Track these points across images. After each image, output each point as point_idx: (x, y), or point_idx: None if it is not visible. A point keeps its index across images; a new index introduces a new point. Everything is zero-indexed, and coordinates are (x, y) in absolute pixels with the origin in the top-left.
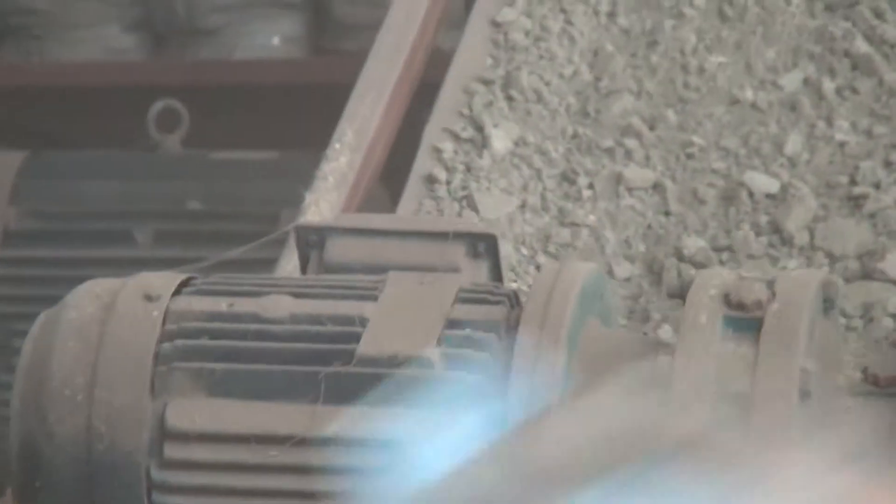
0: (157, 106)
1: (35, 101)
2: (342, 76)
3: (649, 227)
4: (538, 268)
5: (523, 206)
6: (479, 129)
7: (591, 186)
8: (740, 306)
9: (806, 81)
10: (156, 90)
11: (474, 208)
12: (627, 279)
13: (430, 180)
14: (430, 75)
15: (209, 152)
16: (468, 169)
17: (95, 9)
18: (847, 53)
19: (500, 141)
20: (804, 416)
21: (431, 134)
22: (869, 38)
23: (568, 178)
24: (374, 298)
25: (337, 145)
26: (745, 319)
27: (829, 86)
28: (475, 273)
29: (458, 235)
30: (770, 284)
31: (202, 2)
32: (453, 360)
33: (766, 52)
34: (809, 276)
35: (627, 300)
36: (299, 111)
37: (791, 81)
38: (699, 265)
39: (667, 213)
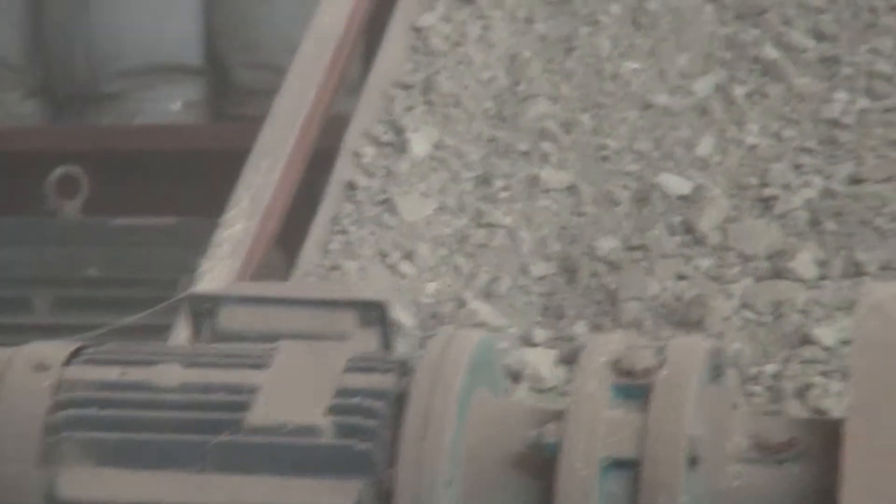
0: (57, 172)
1: None
2: (243, 141)
3: (564, 227)
4: (455, 268)
5: (441, 208)
6: (399, 132)
7: (507, 188)
8: (629, 373)
9: (717, 87)
10: (56, 156)
11: (394, 212)
12: (542, 277)
13: (351, 186)
14: (327, 141)
15: (109, 219)
16: (388, 173)
17: None
18: (757, 59)
19: (420, 145)
20: (692, 483)
21: (352, 139)
22: (778, 45)
23: (485, 180)
24: (265, 367)
25: (233, 212)
26: (634, 386)
27: (739, 91)
28: (366, 340)
29: (349, 303)
30: (659, 351)
31: (103, 67)
32: (343, 428)
33: (678, 58)
34: (698, 343)
35: (543, 297)
36: (201, 177)
37: (703, 87)
38: (613, 264)
39: (581, 214)
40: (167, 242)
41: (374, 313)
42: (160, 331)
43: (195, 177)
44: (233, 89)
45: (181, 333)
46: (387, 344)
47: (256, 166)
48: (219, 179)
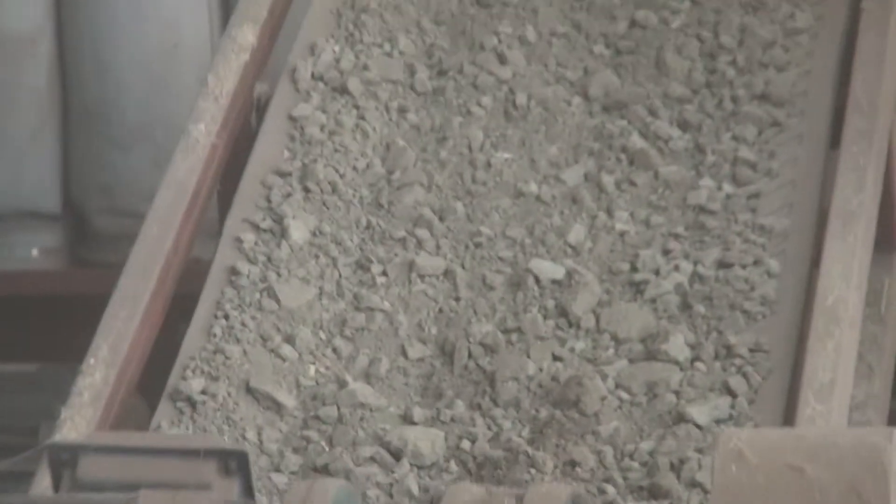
0: None
1: None
2: (101, 287)
3: (441, 311)
4: (335, 350)
5: (321, 293)
6: (278, 220)
7: (384, 273)
8: None
9: (587, 176)
10: None
11: (275, 298)
12: (421, 359)
13: (233, 272)
14: (187, 286)
15: None
16: (269, 259)
17: None
18: (624, 149)
19: (298, 231)
20: None
21: (232, 225)
22: (644, 135)
23: (362, 265)
24: None
25: (92, 360)
26: None
27: (608, 179)
28: (227, 490)
29: (210, 453)
30: (519, 499)
31: None
32: None
33: (548, 148)
34: (559, 490)
35: (421, 378)
36: (59, 322)
37: (573, 176)
38: (488, 347)
39: (457, 299)
40: (26, 389)
41: (235, 462)
42: (22, 478)
43: (53, 322)
44: (91, 235)
45: (43, 482)
46: (249, 493)
47: (115, 314)
48: (78, 325)
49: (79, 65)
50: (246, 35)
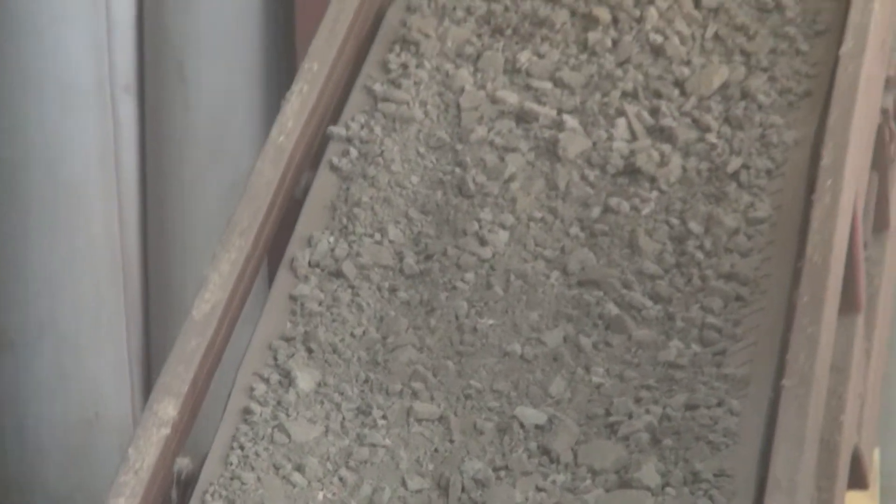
0: None
1: None
2: None
3: (436, 450)
4: (341, 479)
5: (327, 430)
6: (285, 374)
7: (384, 417)
8: None
9: (566, 338)
10: None
11: (285, 433)
12: (419, 490)
13: (246, 412)
14: None
15: None
16: (278, 403)
17: None
18: (601, 316)
19: (304, 382)
20: None
21: (242, 379)
22: (619, 304)
23: (364, 411)
24: None
25: None
26: None
27: (585, 341)
28: None
29: None
30: None
31: None
32: None
33: (530, 315)
34: None
35: None
36: None
37: (553, 338)
38: (479, 482)
39: (451, 441)
40: None
41: None
42: None
43: None
44: None
45: None
46: None
47: None
48: None
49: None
50: (167, 409)
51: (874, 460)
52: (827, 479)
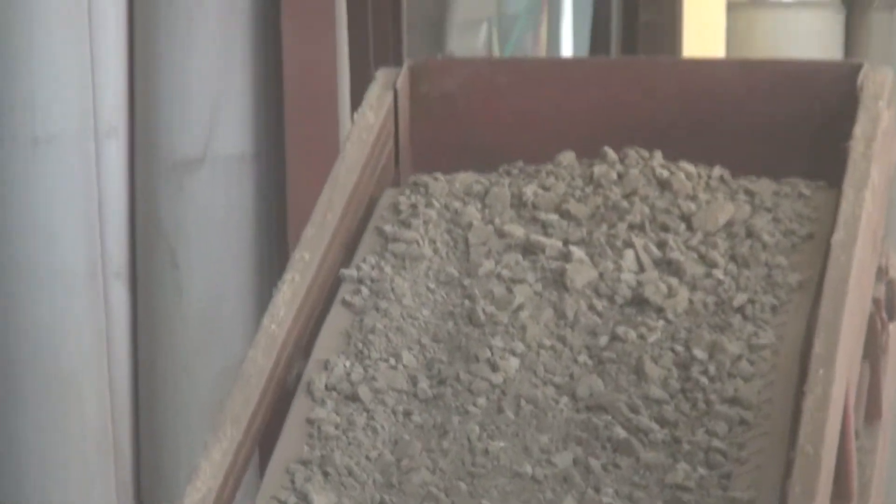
0: None
1: None
2: None
3: None
4: None
5: None
6: (303, 497)
7: None
8: None
9: (575, 460)
10: None
11: None
12: None
13: None
14: None
15: None
16: None
17: None
18: (609, 439)
19: (321, 503)
20: None
21: (261, 502)
22: (626, 428)
23: None
24: None
25: None
26: None
27: (595, 463)
28: None
29: None
30: None
31: None
32: None
33: (540, 438)
34: None
35: None
36: None
37: (563, 460)
38: None
39: None
40: None
41: None
42: None
43: None
44: None
45: None
46: None
47: None
48: None
49: None
50: None
51: None
52: None
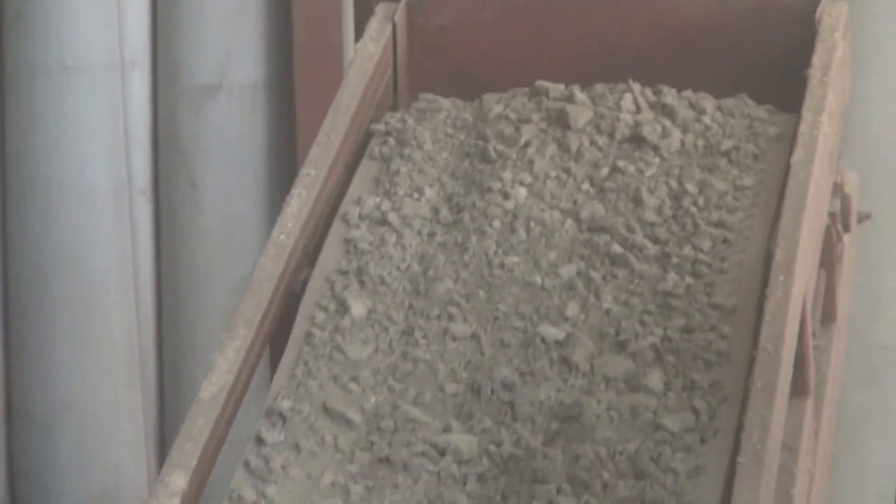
0: None
1: None
2: None
3: (469, 361)
4: (389, 388)
5: (377, 349)
6: (341, 302)
7: (425, 337)
8: None
9: (579, 272)
10: None
11: (342, 352)
12: (455, 394)
13: (308, 336)
14: None
15: None
16: (336, 328)
17: None
18: (608, 254)
19: (357, 309)
20: None
21: (304, 310)
22: (623, 245)
23: (407, 332)
24: None
25: None
26: None
27: (595, 274)
28: None
29: None
30: None
31: None
32: None
33: (548, 254)
34: None
35: (456, 407)
36: None
37: (568, 272)
38: (507, 385)
39: (482, 354)
40: None
41: None
42: None
43: None
44: None
45: None
46: None
47: None
48: None
49: (26, 502)
50: (177, 481)
51: None
52: None
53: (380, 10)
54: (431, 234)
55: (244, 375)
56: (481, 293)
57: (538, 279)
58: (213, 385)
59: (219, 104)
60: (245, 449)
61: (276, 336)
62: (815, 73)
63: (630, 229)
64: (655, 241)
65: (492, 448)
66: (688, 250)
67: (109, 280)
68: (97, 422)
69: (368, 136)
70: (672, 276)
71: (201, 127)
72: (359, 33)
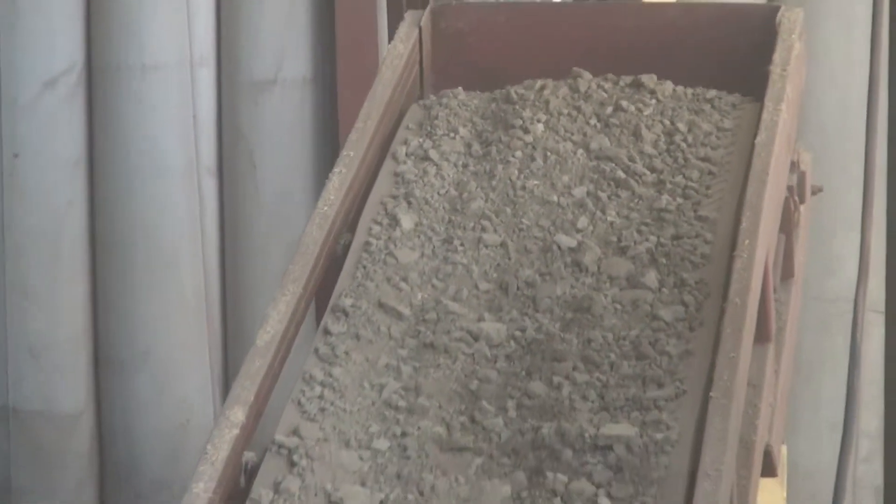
0: None
1: None
2: None
3: (498, 265)
4: (433, 286)
5: (422, 255)
6: (393, 217)
7: (462, 245)
8: None
9: (588, 192)
10: None
11: (394, 257)
12: (487, 291)
13: (366, 244)
14: None
15: None
16: (388, 238)
17: None
18: (613, 178)
19: (406, 223)
20: None
21: (363, 225)
22: (625, 171)
23: (448, 241)
24: None
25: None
26: None
27: (602, 194)
28: None
29: None
30: None
31: None
32: None
33: (562, 177)
34: None
35: (487, 302)
36: None
37: (579, 192)
38: (529, 283)
39: (509, 258)
40: None
41: None
42: None
43: None
44: None
45: None
46: None
47: None
48: None
49: (112, 434)
50: (237, 414)
51: (782, 454)
52: (745, 469)
53: (408, 16)
54: (465, 165)
55: (293, 325)
56: (508, 210)
57: (554, 198)
58: (267, 333)
59: (273, 96)
60: (314, 339)
61: (320, 291)
62: (775, 69)
63: (631, 159)
64: (653, 170)
65: (517, 334)
66: (679, 179)
67: (181, 245)
68: (171, 366)
69: (398, 123)
70: (665, 197)
71: (259, 116)
72: (391, 36)
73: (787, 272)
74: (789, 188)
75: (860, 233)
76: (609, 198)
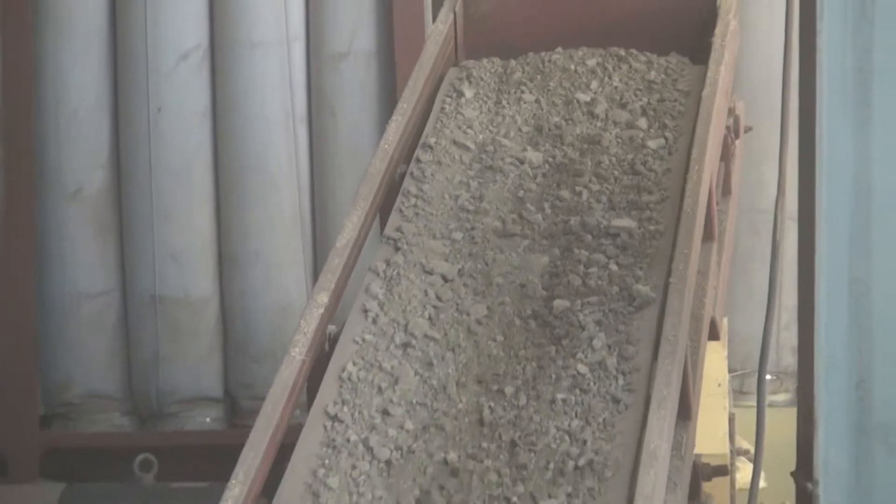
0: (140, 457)
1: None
2: (244, 439)
3: (535, 114)
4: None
5: (480, 112)
6: (458, 91)
7: (508, 102)
8: None
9: (598, 63)
10: (139, 449)
11: (462, 114)
12: (527, 132)
13: (441, 108)
14: None
15: (169, 483)
16: (457, 103)
17: (104, 404)
18: (616, 56)
19: (468, 93)
20: None
21: (440, 95)
22: (625, 51)
23: (497, 102)
24: None
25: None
26: None
27: (608, 65)
28: None
29: None
30: None
31: (166, 396)
32: None
33: (578, 52)
34: None
35: (528, 137)
36: (221, 460)
37: (591, 62)
38: (557, 126)
39: (542, 109)
40: (205, 498)
41: None
42: None
43: (217, 461)
44: (239, 412)
45: None
46: None
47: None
48: (230, 465)
49: (232, 315)
50: (322, 298)
51: (724, 325)
52: (696, 334)
53: (446, 3)
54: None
55: (363, 232)
56: (538, 77)
57: (572, 67)
58: (344, 237)
59: (348, 64)
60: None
61: (383, 207)
62: (716, 41)
63: (628, 48)
64: (644, 54)
65: (550, 159)
66: (663, 62)
67: (282, 175)
68: (275, 263)
69: (440, 83)
70: (653, 73)
71: (337, 80)
72: (434, 18)
73: (726, 190)
74: (727, 127)
75: (778, 160)
76: (613, 68)
